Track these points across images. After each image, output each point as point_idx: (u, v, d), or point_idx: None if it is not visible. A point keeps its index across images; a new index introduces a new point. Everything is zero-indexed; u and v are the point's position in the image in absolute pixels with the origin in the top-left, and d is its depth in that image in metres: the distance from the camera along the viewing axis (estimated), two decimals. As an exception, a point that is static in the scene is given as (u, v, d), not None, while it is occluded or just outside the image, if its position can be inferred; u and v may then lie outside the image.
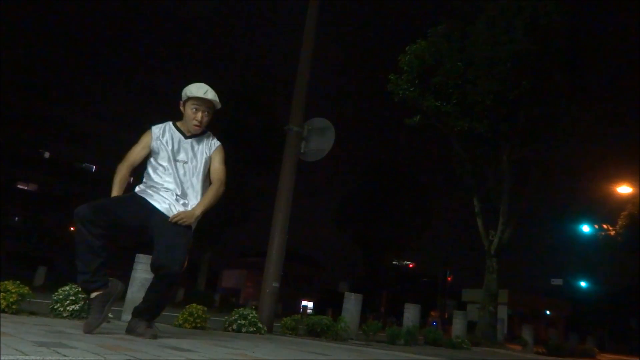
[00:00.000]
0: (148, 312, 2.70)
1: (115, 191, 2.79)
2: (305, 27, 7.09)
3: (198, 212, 2.79)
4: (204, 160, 2.98)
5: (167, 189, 2.81)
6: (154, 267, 2.60)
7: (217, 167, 3.00)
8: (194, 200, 2.87)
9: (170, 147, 2.92)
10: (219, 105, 3.00)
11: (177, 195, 2.81)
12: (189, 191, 2.89)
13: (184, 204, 2.82)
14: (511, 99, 12.29)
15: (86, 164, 37.00)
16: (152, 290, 2.69)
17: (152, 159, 2.92)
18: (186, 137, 2.97)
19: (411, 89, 12.67)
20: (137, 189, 2.86)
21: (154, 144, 2.92)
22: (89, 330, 2.46)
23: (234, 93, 24.23)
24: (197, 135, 3.00)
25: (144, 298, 2.75)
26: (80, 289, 3.73)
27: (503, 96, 12.21)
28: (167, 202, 2.77)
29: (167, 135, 2.96)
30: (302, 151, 6.59)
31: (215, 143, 3.05)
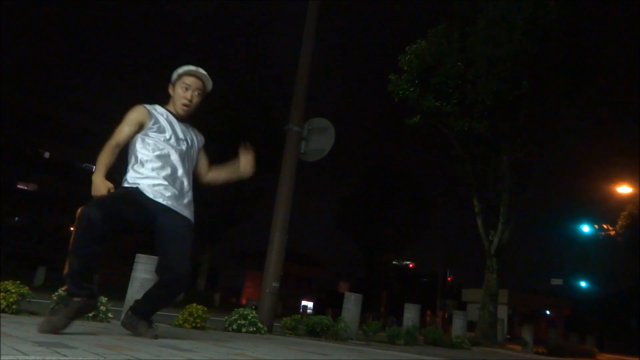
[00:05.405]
0: (148, 312, 2.67)
1: (102, 172, 2.41)
2: (305, 27, 7.09)
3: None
4: (197, 150, 2.84)
5: (167, 179, 2.57)
6: (165, 271, 2.49)
7: (207, 163, 2.86)
8: (189, 193, 2.70)
9: (169, 129, 2.66)
10: (210, 86, 2.81)
11: (176, 185, 2.61)
12: (187, 181, 2.69)
13: (187, 194, 2.67)
14: (511, 99, 12.29)
15: (86, 164, 36.98)
16: (157, 293, 2.59)
17: (142, 140, 2.60)
18: (178, 120, 2.72)
19: (411, 89, 12.67)
20: (129, 179, 2.55)
21: (150, 122, 2.60)
22: (52, 330, 2.17)
23: (234, 93, 24.24)
24: (185, 121, 2.77)
25: (145, 297, 2.65)
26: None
27: (503, 96, 12.21)
28: (170, 193, 2.56)
29: (158, 115, 2.67)
30: (302, 151, 6.60)
31: (202, 137, 2.88)
